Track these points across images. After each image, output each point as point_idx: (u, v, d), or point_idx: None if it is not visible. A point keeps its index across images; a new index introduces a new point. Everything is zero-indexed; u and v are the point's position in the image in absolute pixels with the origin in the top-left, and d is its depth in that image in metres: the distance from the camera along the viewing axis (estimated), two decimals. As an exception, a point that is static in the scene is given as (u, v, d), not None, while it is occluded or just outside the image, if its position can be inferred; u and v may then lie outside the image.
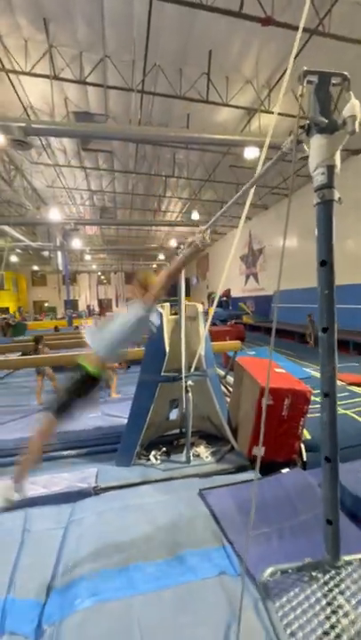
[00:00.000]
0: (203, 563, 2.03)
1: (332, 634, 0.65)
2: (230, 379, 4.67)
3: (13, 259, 21.75)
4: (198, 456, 3.22)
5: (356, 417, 3.68)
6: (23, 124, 5.63)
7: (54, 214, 13.59)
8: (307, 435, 3.21)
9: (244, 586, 0.68)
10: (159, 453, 3.24)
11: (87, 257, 25.11)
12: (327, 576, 0.79)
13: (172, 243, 19.61)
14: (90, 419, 3.95)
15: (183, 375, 3.06)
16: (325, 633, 0.65)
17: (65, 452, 3.35)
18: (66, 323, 18.41)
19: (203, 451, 3.26)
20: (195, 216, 14.84)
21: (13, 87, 7.03)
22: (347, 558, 0.84)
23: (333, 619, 0.69)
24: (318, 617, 0.69)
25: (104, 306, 29.21)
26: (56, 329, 12.42)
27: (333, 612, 0.70)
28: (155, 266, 28.55)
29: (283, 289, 14.25)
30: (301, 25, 1.93)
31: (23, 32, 5.96)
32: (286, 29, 5.16)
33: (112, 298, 30.39)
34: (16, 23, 5.79)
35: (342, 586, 0.77)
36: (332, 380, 0.82)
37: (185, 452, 3.15)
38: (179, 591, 1.85)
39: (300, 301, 10.98)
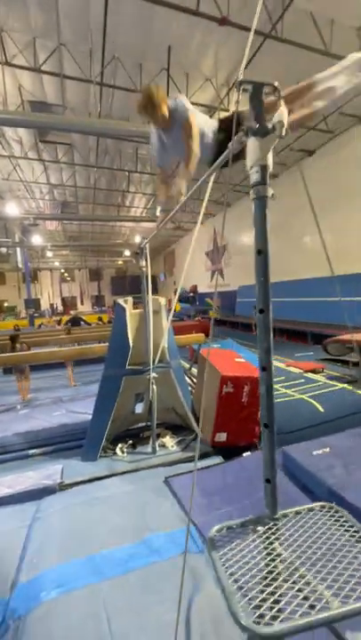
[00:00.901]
0: (168, 544, 2.12)
1: (266, 571, 0.75)
2: (195, 370, 4.80)
3: (-33, 255, 20.38)
4: (164, 446, 3.30)
5: (311, 401, 3.96)
6: (-27, 112, 5.31)
7: (11, 209, 12.94)
8: (266, 419, 3.41)
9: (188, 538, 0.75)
10: (125, 446, 3.29)
11: (49, 253, 24.20)
12: (266, 527, 0.90)
13: (137, 238, 19.47)
14: (54, 416, 3.89)
15: (150, 367, 3.11)
16: (261, 570, 0.75)
17: (30, 452, 3.29)
18: (27, 322, 17.62)
19: (168, 441, 3.35)
20: (160, 212, 14.82)
21: None
22: (283, 512, 0.95)
23: (269, 560, 0.79)
24: (255, 560, 0.79)
25: (68, 304, 28.30)
26: (16, 328, 11.87)
27: (269, 555, 0.80)
28: (120, 262, 28.17)
29: (246, 284, 14.73)
30: (253, 27, 2.03)
31: (-31, 13, 5.60)
32: (243, 30, 5.33)
33: (77, 295, 29.51)
34: None
35: (278, 534, 0.88)
36: (268, 355, 0.93)
37: (151, 442, 3.22)
38: (145, 572, 1.92)
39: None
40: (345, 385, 4.48)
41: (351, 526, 0.91)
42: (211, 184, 2.80)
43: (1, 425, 3.76)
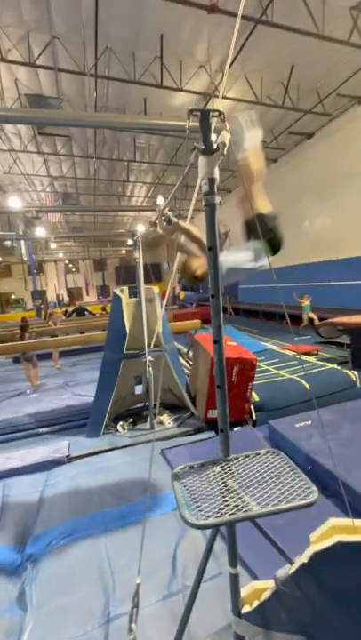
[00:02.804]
0: (161, 503, 2.42)
1: (214, 494, 1.01)
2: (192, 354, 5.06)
3: (-27, 249, 20.72)
4: (162, 423, 3.59)
5: (301, 380, 4.19)
6: (-28, 111, 5.47)
7: (14, 202, 13.11)
8: (255, 397, 3.67)
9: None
10: (126, 424, 3.59)
11: (53, 245, 24.39)
12: (219, 466, 1.15)
13: (139, 227, 19.55)
14: (61, 399, 4.21)
15: (146, 351, 3.36)
16: (210, 494, 1.01)
17: (40, 430, 3.61)
18: (34, 314, 18.04)
19: (165, 418, 3.64)
20: (160, 201, 14.87)
21: None
22: (235, 455, 1.21)
23: (217, 487, 1.05)
24: (207, 487, 1.04)
25: (74, 295, 28.67)
26: (23, 320, 12.24)
27: (217, 484, 1.06)
28: (124, 252, 28.30)
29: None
30: (240, 14, 2.13)
31: (-36, 10, 5.69)
32: (234, 17, 5.33)
33: (82, 286, 29.83)
34: None
35: (228, 470, 1.13)
36: (219, 330, 1.17)
37: (149, 420, 3.51)
38: (140, 525, 2.22)
39: (267, 282, 11.55)
40: (335, 365, 4.70)
41: (286, 463, 1.16)
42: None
43: (13, 407, 4.10)
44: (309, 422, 3.08)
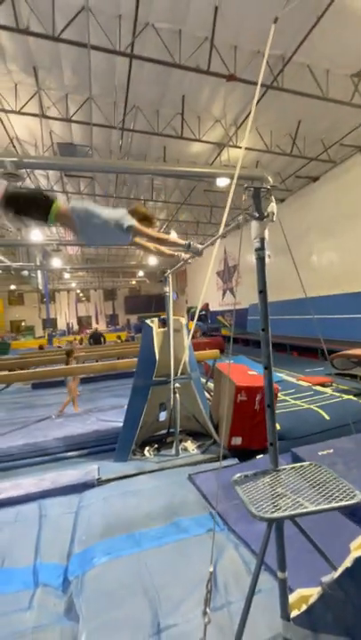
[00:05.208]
0: (194, 525, 2.53)
1: (272, 501, 1.21)
2: (211, 385, 5.23)
3: (-9, 278, 21.63)
4: (186, 450, 3.72)
5: (319, 410, 4.32)
6: (15, 159, 6.14)
7: (36, 235, 13.95)
8: (277, 426, 3.80)
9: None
10: (152, 449, 3.72)
11: (66, 275, 25.36)
12: (270, 476, 1.35)
13: (151, 260, 20.35)
14: (87, 424, 4.37)
15: (174, 378, 3.58)
16: (265, 496, 1.21)
17: (68, 454, 3.75)
18: (46, 341, 18.41)
19: (190, 445, 3.77)
20: (173, 235, 15.68)
21: (2, 123, 7.57)
22: (283, 467, 1.41)
23: (271, 490, 1.24)
24: (262, 492, 1.24)
25: (84, 323, 29.24)
26: (40, 348, 12.59)
27: (270, 488, 1.25)
28: (134, 282, 29.20)
29: (256, 303, 15.16)
30: (259, 84, 2.66)
31: (14, 77, 6.57)
32: (248, 83, 6.08)
33: (92, 315, 30.46)
34: (7, 69, 6.41)
35: (278, 478, 1.32)
36: (269, 359, 1.41)
37: (174, 446, 3.64)
38: (176, 545, 2.33)
39: (274, 314, 11.83)
40: (351, 396, 4.83)
41: (328, 473, 1.36)
42: (227, 212, 3.34)
43: (41, 431, 4.26)
44: (331, 450, 3.19)
